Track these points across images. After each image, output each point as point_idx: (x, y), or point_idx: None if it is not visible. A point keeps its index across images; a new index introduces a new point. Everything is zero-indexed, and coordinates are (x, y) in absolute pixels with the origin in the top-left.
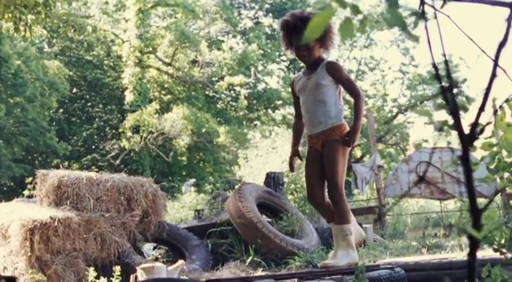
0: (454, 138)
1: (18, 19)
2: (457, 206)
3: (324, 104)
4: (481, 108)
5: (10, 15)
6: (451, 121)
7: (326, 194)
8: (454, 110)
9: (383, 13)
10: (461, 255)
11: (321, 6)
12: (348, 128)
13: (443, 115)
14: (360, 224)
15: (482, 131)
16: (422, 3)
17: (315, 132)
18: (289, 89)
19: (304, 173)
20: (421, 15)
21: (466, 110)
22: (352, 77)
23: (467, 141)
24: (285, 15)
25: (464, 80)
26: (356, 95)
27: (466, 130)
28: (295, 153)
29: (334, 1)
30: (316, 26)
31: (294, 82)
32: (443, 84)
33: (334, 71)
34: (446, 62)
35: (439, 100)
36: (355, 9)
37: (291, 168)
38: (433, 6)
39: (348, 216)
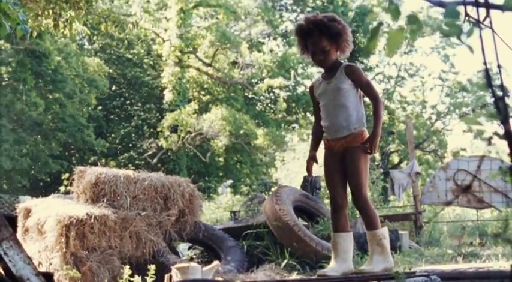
0: (492, 147)
1: (58, 15)
2: (494, 215)
3: (345, 109)
4: None
5: (51, 11)
6: (499, 130)
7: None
8: (506, 119)
9: (436, 21)
10: (498, 265)
11: (371, 20)
12: (367, 135)
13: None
14: (396, 230)
15: None
16: (467, 16)
17: (336, 137)
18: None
19: (325, 175)
20: (476, 24)
21: None
22: (392, 82)
23: None
24: (299, 20)
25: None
26: (375, 98)
27: None
28: (312, 158)
29: (390, 11)
30: (394, 43)
31: (313, 87)
32: (495, 93)
33: (354, 74)
34: (500, 71)
35: (479, 109)
36: (414, 19)
37: (309, 172)
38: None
39: (378, 220)
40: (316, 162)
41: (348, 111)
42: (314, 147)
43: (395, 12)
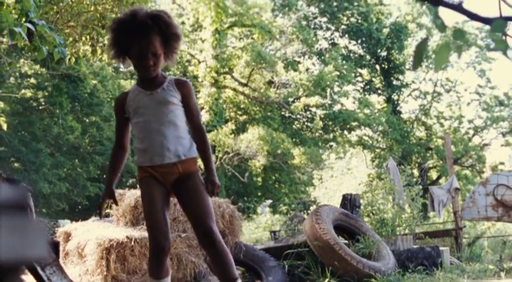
0: None
1: (95, 41)
2: None
3: (175, 128)
4: None
5: (88, 37)
6: None
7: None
8: None
9: (471, 35)
10: None
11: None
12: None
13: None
14: (437, 247)
15: None
16: None
17: (163, 163)
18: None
19: (148, 210)
20: None
21: None
22: (428, 98)
23: None
24: (123, 14)
25: None
26: (201, 127)
27: None
28: (110, 195)
29: (436, 26)
30: (441, 57)
31: (125, 98)
32: None
33: (187, 89)
34: None
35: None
36: (460, 34)
37: (100, 213)
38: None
39: (234, 268)
40: (115, 200)
41: (179, 132)
42: (112, 179)
43: (441, 27)
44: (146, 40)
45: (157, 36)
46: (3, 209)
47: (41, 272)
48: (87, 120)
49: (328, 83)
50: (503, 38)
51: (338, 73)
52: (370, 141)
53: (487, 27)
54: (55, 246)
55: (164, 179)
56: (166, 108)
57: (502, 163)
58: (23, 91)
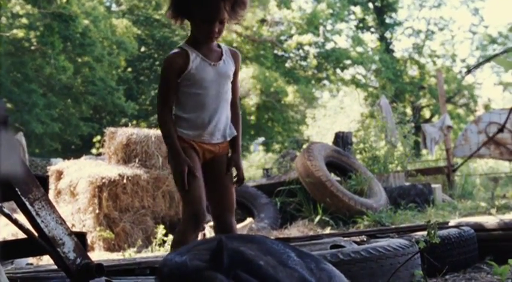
0: None
1: None
2: None
3: (228, 107)
4: None
5: None
6: None
7: None
8: None
9: None
10: None
11: None
12: None
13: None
14: (429, 184)
15: None
16: None
17: (210, 142)
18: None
19: (192, 182)
20: None
21: None
22: (422, 36)
23: None
24: None
25: None
26: (239, 107)
27: None
28: (187, 162)
29: None
30: None
31: (185, 64)
32: None
33: (239, 62)
34: None
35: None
36: None
37: (188, 185)
38: None
39: None
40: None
41: (228, 111)
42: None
43: None
44: (217, 6)
45: (228, 2)
46: None
47: (29, 207)
48: (79, 60)
49: (321, 21)
50: None
51: (331, 11)
52: (363, 80)
53: None
54: (44, 181)
55: (202, 155)
56: (227, 85)
57: (490, 99)
58: (14, 31)
